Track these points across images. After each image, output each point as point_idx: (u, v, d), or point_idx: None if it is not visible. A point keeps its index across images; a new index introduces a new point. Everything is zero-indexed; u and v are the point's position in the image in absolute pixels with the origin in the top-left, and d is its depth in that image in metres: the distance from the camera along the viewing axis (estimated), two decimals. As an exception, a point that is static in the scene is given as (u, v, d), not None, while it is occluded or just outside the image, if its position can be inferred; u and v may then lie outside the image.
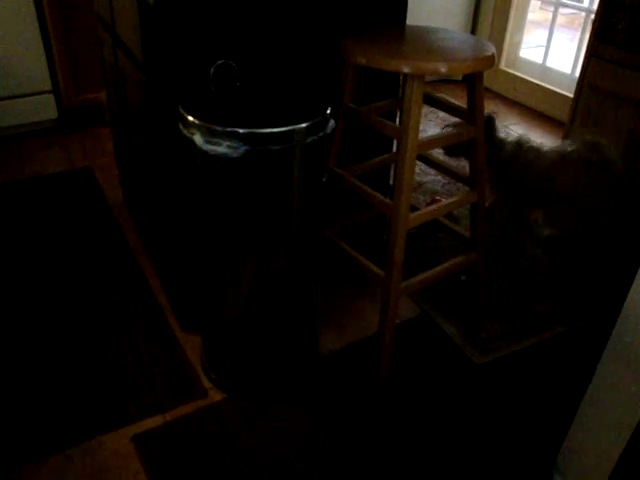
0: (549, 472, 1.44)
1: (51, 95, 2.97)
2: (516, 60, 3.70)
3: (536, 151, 2.04)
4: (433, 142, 1.54)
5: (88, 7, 2.81)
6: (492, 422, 1.59)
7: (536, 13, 3.85)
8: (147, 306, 1.94)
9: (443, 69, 1.35)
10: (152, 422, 1.56)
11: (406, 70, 1.35)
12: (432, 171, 2.75)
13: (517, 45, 3.68)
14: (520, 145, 2.07)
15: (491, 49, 1.45)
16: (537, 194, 2.03)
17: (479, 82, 1.52)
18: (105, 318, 1.88)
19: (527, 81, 3.58)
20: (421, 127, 3.21)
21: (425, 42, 1.50)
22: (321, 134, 1.32)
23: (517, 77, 3.64)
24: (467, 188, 1.69)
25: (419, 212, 1.55)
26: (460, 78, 3.87)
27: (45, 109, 2.99)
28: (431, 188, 2.63)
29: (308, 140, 1.29)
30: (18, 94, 2.89)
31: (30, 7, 2.73)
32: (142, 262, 2.15)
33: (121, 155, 2.32)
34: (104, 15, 1.92)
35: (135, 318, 1.89)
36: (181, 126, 1.33)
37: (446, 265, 1.70)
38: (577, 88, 2.67)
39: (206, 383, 1.68)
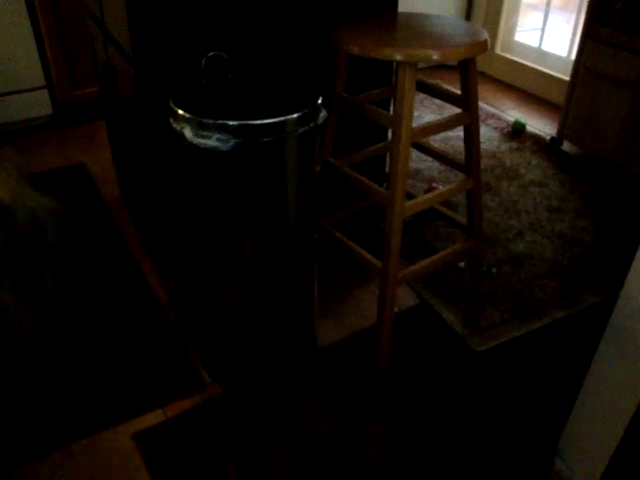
0: (551, 457, 1.44)
1: (45, 91, 2.96)
2: (511, 44, 3.68)
3: None
4: (427, 130, 1.53)
5: (79, 1, 2.79)
6: (493, 409, 1.59)
7: (531, -4, 3.83)
8: (145, 301, 1.94)
9: (435, 56, 1.34)
10: (152, 417, 1.56)
11: (398, 58, 1.34)
12: (429, 158, 2.74)
13: (512, 29, 3.66)
14: None
15: (484, 34, 1.44)
16: None
17: (472, 68, 1.50)
18: (103, 314, 1.88)
19: (523, 65, 3.56)
20: (417, 114, 3.21)
21: (417, 29, 1.48)
22: (312, 124, 1.31)
23: (513, 61, 3.62)
24: (463, 175, 1.68)
25: (415, 200, 1.54)
26: (455, 64, 3.85)
27: (40, 105, 2.98)
28: (428, 175, 2.62)
29: (300, 131, 1.28)
30: (12, 91, 2.88)
31: (21, 2, 2.72)
32: (139, 257, 2.14)
33: (116, 149, 2.31)
34: (94, 9, 1.91)
35: (133, 313, 1.88)
36: (171, 120, 1.32)
37: (444, 253, 1.69)
38: (573, 71, 2.66)
39: (206, 377, 1.67)
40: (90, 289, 1.98)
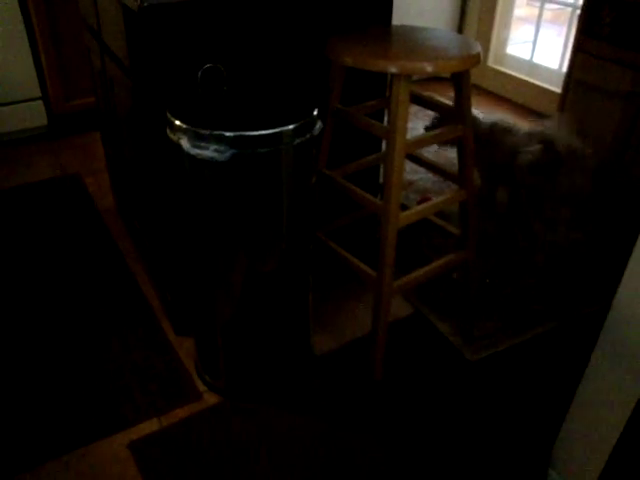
0: (544, 468, 1.44)
1: (40, 102, 2.97)
2: (503, 57, 3.71)
3: (507, 131, 2.06)
4: (421, 142, 1.55)
5: (75, 13, 2.80)
6: (487, 418, 1.60)
7: (522, 9, 3.86)
8: (140, 311, 1.94)
9: (429, 68, 1.36)
10: (148, 426, 1.56)
11: (393, 70, 1.35)
12: (422, 169, 2.75)
13: (504, 42, 3.69)
14: (494, 125, 2.09)
15: (477, 47, 1.46)
16: (505, 171, 2.04)
17: (466, 80, 1.52)
18: (98, 324, 1.88)
19: (515, 77, 3.59)
20: (410, 125, 3.22)
21: (411, 41, 1.50)
22: (308, 135, 1.32)
23: (505, 74, 3.66)
24: (457, 186, 1.70)
25: (409, 211, 1.56)
26: (449, 76, 3.88)
27: (35, 116, 2.99)
28: (422, 186, 2.64)
29: (296, 142, 1.29)
30: (7, 101, 2.89)
31: (16, 14, 2.73)
32: (134, 267, 2.15)
33: (111, 160, 2.32)
34: (90, 22, 1.92)
35: (128, 323, 1.89)
36: (168, 130, 1.33)
37: (438, 263, 1.70)
38: (564, 83, 2.68)
39: (201, 386, 1.68)
40: (85, 299, 1.99)
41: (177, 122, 1.28)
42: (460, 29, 3.85)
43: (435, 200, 1.63)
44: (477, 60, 1.43)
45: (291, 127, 1.27)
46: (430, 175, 2.73)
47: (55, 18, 2.80)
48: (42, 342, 1.81)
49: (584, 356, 1.28)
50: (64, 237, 2.31)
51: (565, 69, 2.67)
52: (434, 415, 1.60)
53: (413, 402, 1.64)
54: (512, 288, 2.04)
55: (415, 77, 1.39)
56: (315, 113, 1.35)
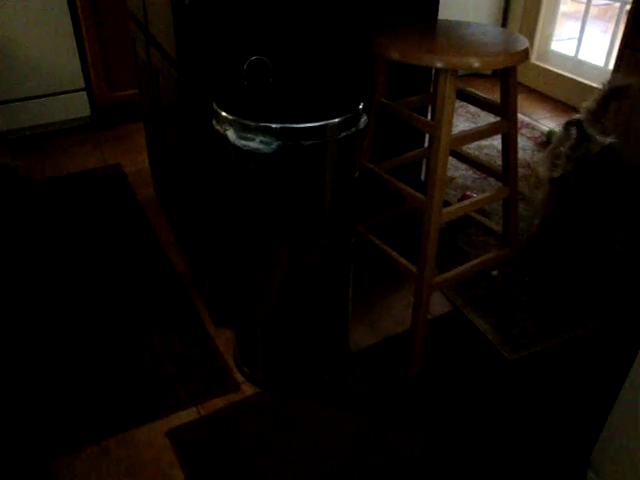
0: (583, 470, 1.43)
1: (84, 93, 3.02)
2: (548, 53, 3.66)
3: None
4: (467, 137, 1.53)
5: (120, 4, 2.84)
6: (525, 418, 1.58)
7: (568, 5, 3.80)
8: (179, 302, 1.96)
9: (476, 64, 1.35)
10: (186, 415, 1.58)
11: (439, 65, 1.35)
12: (463, 166, 2.73)
13: (548, 38, 3.64)
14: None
15: (524, 43, 1.44)
16: None
17: (512, 76, 1.50)
18: (139, 314, 1.91)
19: (559, 74, 3.54)
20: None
21: (458, 37, 1.49)
22: (354, 129, 1.32)
23: (549, 70, 3.60)
24: (499, 184, 1.68)
25: (452, 207, 1.55)
26: (489, 72, 3.84)
27: (78, 107, 3.04)
28: (462, 183, 2.62)
29: (341, 135, 1.29)
30: (51, 92, 2.94)
31: (63, 6, 2.78)
32: (174, 258, 2.17)
33: (154, 151, 2.34)
34: (137, 14, 1.94)
35: (168, 314, 1.91)
36: (214, 122, 1.34)
37: (479, 260, 1.69)
38: (611, 81, 2.63)
39: (239, 377, 1.69)
40: (125, 289, 2.02)
41: (224, 113, 1.28)
42: (504, 24, 3.80)
43: (479, 196, 1.62)
44: (525, 56, 1.41)
45: (337, 120, 1.27)
46: (470, 172, 2.71)
47: (100, 9, 2.84)
48: (84, 331, 1.84)
49: (626, 358, 1.26)
50: (105, 227, 2.35)
51: (611, 66, 2.63)
52: (471, 413, 1.59)
53: (450, 399, 1.63)
54: (552, 287, 2.02)
55: (460, 72, 1.38)
56: (361, 107, 1.34)
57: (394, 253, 1.67)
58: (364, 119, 1.36)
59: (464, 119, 3.25)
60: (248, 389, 1.66)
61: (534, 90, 3.70)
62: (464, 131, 1.54)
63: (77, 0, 2.76)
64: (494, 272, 2.08)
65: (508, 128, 1.56)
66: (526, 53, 1.41)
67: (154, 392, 1.64)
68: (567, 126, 2.07)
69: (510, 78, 1.50)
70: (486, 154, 2.87)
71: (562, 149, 2.01)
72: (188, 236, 1.92)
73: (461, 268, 1.66)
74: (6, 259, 2.16)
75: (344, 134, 1.30)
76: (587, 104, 2.16)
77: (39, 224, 2.36)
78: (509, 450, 1.50)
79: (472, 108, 3.38)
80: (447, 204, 1.58)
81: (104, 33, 2.91)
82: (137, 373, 1.70)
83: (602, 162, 1.89)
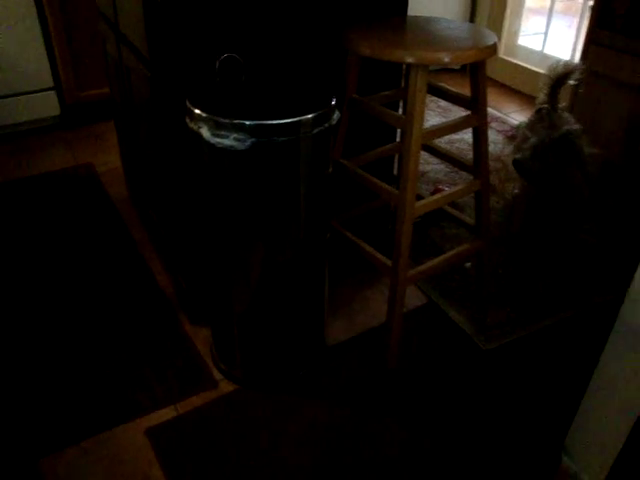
0: (558, 454, 1.46)
1: (53, 92, 2.98)
2: (515, 48, 3.71)
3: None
4: (438, 131, 1.55)
5: (89, 3, 2.81)
6: (500, 406, 1.61)
7: (534, 0, 3.85)
8: (155, 300, 1.96)
9: (447, 59, 1.36)
10: (164, 414, 1.58)
11: (410, 60, 1.36)
12: (434, 160, 2.76)
13: (515, 33, 3.69)
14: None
15: (493, 38, 1.46)
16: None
17: (482, 71, 1.53)
18: (113, 314, 1.90)
19: (526, 68, 3.59)
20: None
21: (428, 32, 1.51)
22: (327, 125, 1.33)
23: (516, 65, 3.65)
24: (471, 177, 1.70)
25: (425, 201, 1.57)
26: (458, 67, 3.87)
27: (48, 106, 3.00)
28: (433, 177, 2.65)
29: (314, 131, 1.30)
30: (20, 92, 2.90)
31: (30, 3, 2.74)
32: (148, 257, 2.16)
33: (125, 150, 2.33)
34: (106, 12, 1.93)
35: (144, 312, 1.91)
36: (187, 119, 1.34)
37: (452, 253, 1.71)
38: (577, 75, 2.67)
39: (217, 375, 1.69)
40: (100, 289, 2.01)
41: (197, 111, 1.29)
42: (471, 20, 3.84)
43: (450, 190, 1.64)
44: (494, 51, 1.44)
45: (310, 116, 1.28)
46: (442, 166, 2.74)
47: (68, 8, 2.81)
48: (58, 332, 1.83)
49: (597, 345, 1.29)
50: (77, 226, 2.33)
51: (577, 60, 2.67)
52: (448, 402, 1.62)
53: (426, 390, 1.65)
54: (525, 278, 2.05)
55: (431, 68, 1.40)
56: (333, 103, 1.35)
57: (369, 247, 1.68)
58: (337, 115, 1.37)
59: (435, 113, 3.29)
60: (226, 386, 1.66)
61: (503, 84, 3.75)
62: (435, 125, 1.56)
63: (43, -2, 2.74)
64: (467, 264, 2.11)
65: (478, 121, 1.58)
66: (495, 48, 1.44)
67: (131, 391, 1.64)
68: (538, 112, 2.12)
69: (479, 72, 1.53)
70: (457, 148, 2.91)
71: (528, 133, 2.06)
72: (163, 235, 1.92)
73: (435, 261, 1.68)
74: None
75: (317, 130, 1.31)
76: (539, 99, 2.21)
77: (7, 227, 2.33)
78: (486, 437, 1.53)
79: (443, 102, 3.41)
80: (420, 198, 1.60)
81: (73, 30, 2.87)
82: (113, 373, 1.69)
83: (559, 148, 1.94)
